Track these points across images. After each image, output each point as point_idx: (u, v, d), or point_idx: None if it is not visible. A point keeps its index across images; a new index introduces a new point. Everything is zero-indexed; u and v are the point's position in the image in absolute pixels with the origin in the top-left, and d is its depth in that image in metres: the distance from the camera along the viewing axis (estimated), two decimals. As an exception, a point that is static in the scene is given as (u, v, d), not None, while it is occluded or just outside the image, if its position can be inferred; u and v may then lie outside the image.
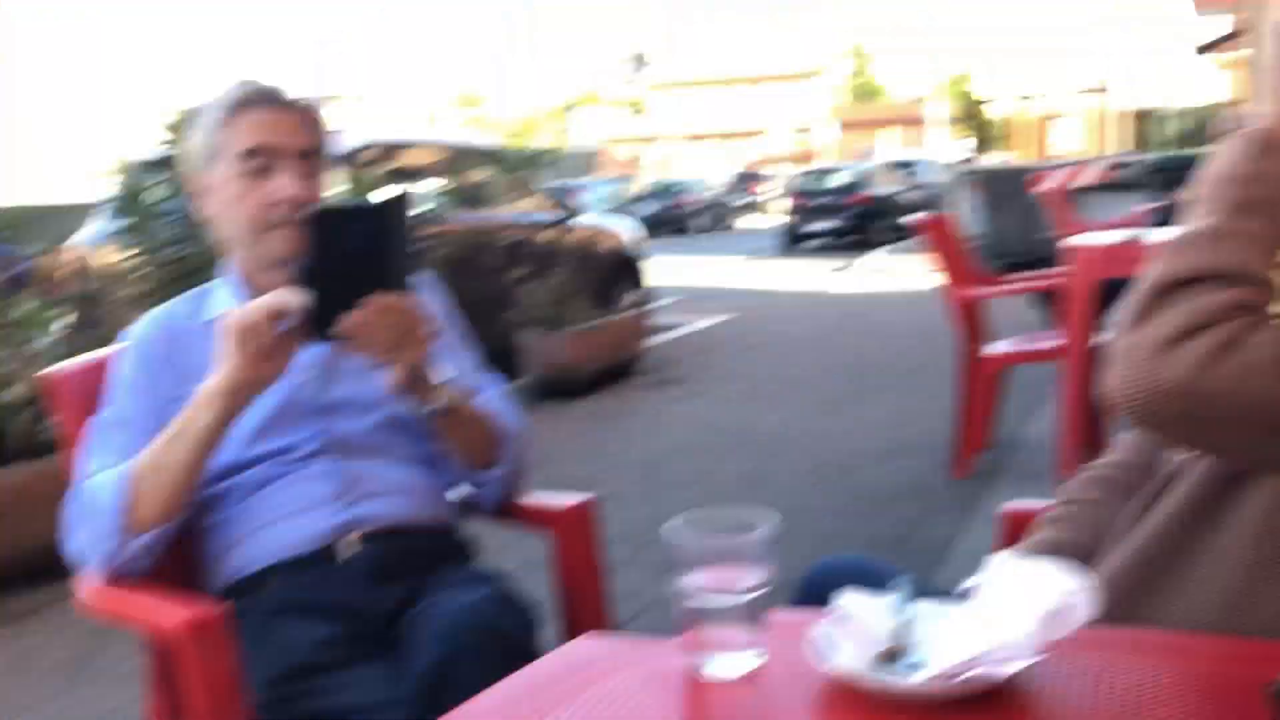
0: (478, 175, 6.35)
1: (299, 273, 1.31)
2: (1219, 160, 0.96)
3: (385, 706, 1.28)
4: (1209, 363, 0.85)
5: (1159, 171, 9.03)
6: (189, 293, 1.67)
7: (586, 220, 7.64)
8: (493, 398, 1.66)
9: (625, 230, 8.06)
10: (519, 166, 6.46)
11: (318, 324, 1.29)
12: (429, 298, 1.66)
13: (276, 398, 1.50)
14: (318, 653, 1.36)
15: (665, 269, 14.81)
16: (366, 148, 6.31)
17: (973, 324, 4.16)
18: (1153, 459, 1.23)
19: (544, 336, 6.10)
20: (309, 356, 1.51)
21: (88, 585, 1.46)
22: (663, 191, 27.99)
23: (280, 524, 1.49)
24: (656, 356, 7.37)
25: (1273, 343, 0.85)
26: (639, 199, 26.78)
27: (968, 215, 12.01)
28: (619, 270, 7.68)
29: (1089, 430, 3.66)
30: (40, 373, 1.72)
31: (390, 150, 6.73)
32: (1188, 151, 14.82)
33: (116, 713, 2.61)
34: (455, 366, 1.63)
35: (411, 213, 1.39)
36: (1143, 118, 18.62)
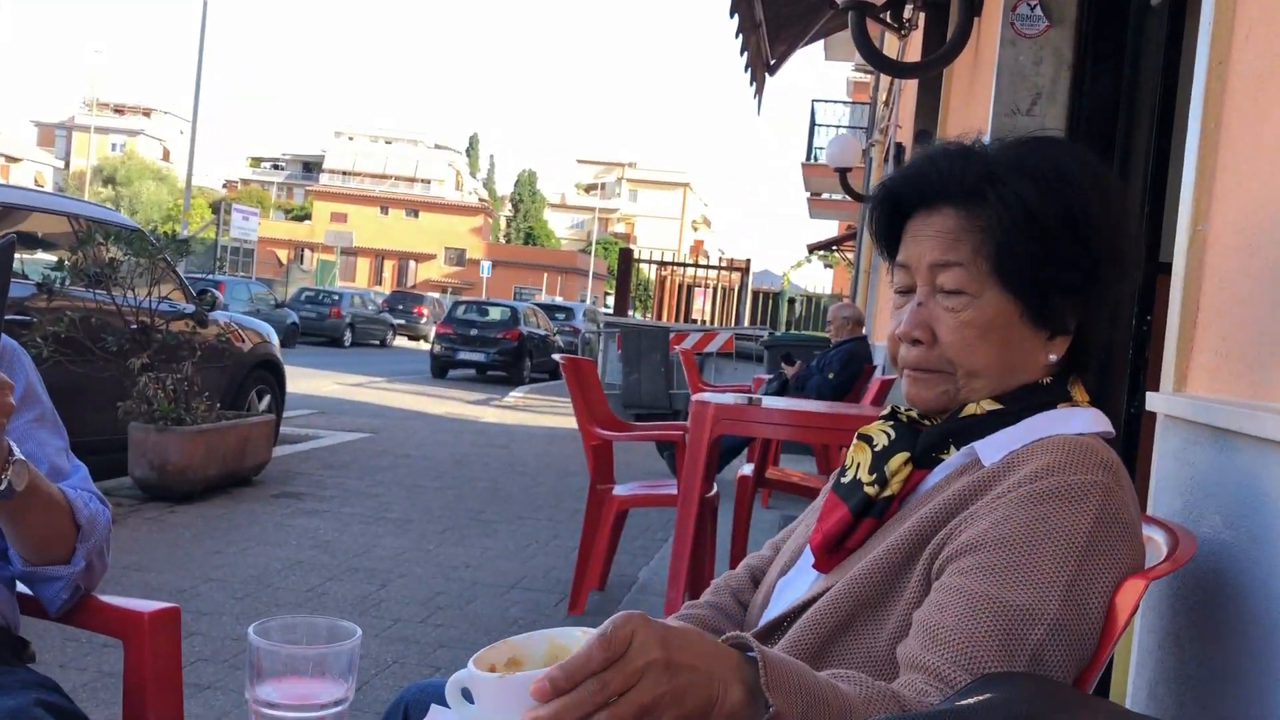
0: (109, 252, 5.87)
1: None
2: None
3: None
4: None
5: (773, 346, 9.97)
6: None
7: (226, 316, 7.24)
8: (76, 486, 1.50)
9: (267, 332, 7.71)
10: (157, 249, 6.04)
11: None
12: (15, 368, 1.51)
13: None
14: None
15: (307, 378, 14.30)
16: (-21, 204, 5.69)
17: (602, 465, 4.32)
18: (741, 608, 1.33)
19: (158, 432, 5.64)
20: None
21: None
22: (316, 299, 27.18)
23: None
24: (282, 467, 7.02)
25: None
26: (290, 303, 25.82)
27: (610, 364, 12.63)
28: (254, 372, 7.31)
29: (697, 575, 3.87)
30: None
31: (9, 211, 6.11)
32: (799, 332, 16.50)
33: None
34: (37, 447, 1.48)
35: (10, 273, 1.25)
36: (770, 297, 20.55)
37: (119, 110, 76.84)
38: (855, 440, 1.22)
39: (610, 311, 19.83)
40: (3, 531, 1.42)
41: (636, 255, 15.91)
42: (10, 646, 1.43)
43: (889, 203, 1.21)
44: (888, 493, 1.15)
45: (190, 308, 6.48)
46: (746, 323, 16.47)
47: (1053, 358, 1.16)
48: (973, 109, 4.59)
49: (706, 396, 3.98)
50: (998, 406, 1.14)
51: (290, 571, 4.52)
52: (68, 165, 69.02)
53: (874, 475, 1.16)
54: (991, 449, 1.11)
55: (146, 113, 78.03)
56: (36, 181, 57.97)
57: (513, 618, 4.12)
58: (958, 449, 1.14)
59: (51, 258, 6.00)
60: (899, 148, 8.76)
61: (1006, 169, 1.12)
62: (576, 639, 0.85)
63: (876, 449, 1.19)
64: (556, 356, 4.84)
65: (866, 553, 1.13)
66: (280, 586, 4.29)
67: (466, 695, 0.83)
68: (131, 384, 5.69)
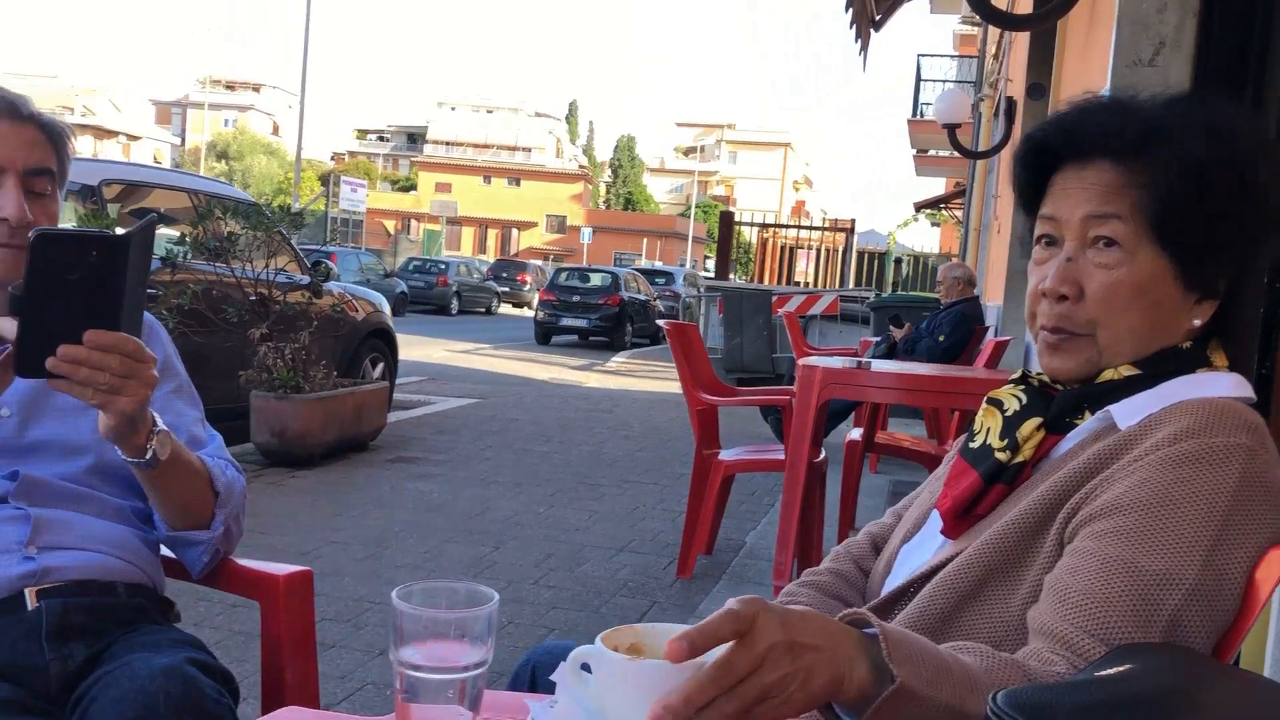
0: (228, 226, 6.07)
1: (12, 300, 1.20)
2: None
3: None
4: None
5: (880, 308, 9.81)
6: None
7: (339, 287, 7.44)
8: (212, 454, 1.57)
9: (379, 302, 7.90)
10: (273, 223, 6.23)
11: (28, 356, 1.18)
12: (155, 342, 1.57)
13: (-34, 432, 1.37)
14: (-22, 716, 1.22)
15: (417, 346, 14.61)
16: (109, 183, 5.93)
17: (708, 430, 4.33)
18: (863, 575, 1.32)
19: (278, 400, 5.84)
20: (11, 391, 1.39)
21: None
22: (423, 268, 27.71)
23: (-48, 569, 1.33)
24: (396, 433, 7.21)
25: None
26: (398, 273, 26.39)
27: (711, 328, 12.60)
28: (368, 341, 7.50)
29: (806, 540, 3.86)
30: None
31: (135, 188, 6.36)
32: (907, 293, 16.20)
33: None
34: (175, 417, 1.54)
35: (152, 250, 1.31)
36: (875, 257, 20.21)
37: (230, 87, 79.16)
38: (984, 404, 1.19)
39: (711, 275, 19.75)
40: (148, 498, 1.49)
41: (737, 218, 15.80)
42: (158, 607, 1.51)
43: (1035, 154, 1.17)
44: (1019, 459, 1.12)
45: (306, 279, 6.67)
46: (851, 284, 16.24)
47: (1197, 322, 1.12)
48: (1090, 61, 4.42)
49: (814, 360, 3.95)
50: (1136, 372, 1.11)
51: (407, 534, 4.66)
52: (183, 142, 71.47)
53: (1005, 441, 1.14)
54: (1128, 412, 1.08)
55: (256, 88, 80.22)
56: (155, 158, 60.07)
57: (622, 580, 4.17)
58: (1093, 414, 1.11)
59: (174, 233, 6.23)
60: (1009, 102, 8.50)
61: (1172, 124, 1.08)
62: None
63: (1007, 414, 1.16)
64: (662, 323, 4.86)
65: (997, 518, 1.11)
66: (398, 548, 4.42)
67: (584, 668, 0.85)
68: (251, 353, 5.90)
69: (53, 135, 1.48)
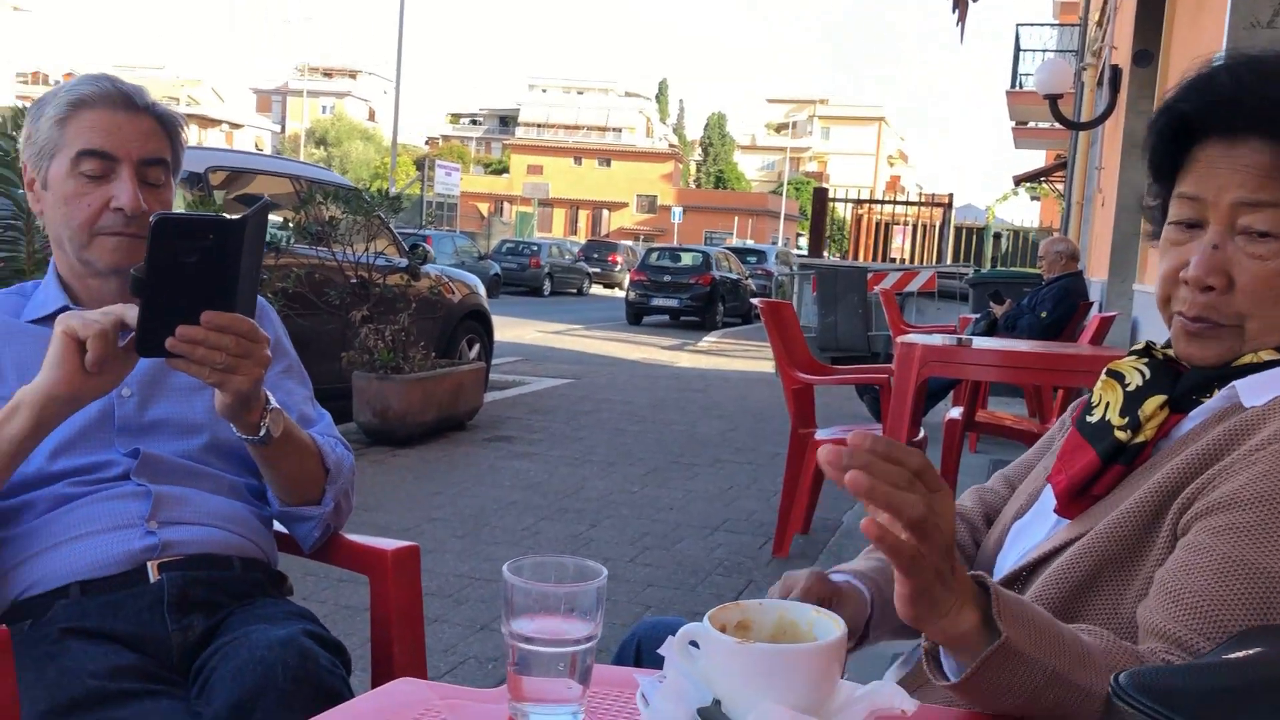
0: (329, 211, 6.21)
1: (133, 282, 1.25)
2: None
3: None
4: None
5: (980, 284, 9.59)
6: (10, 288, 1.57)
7: (436, 269, 7.56)
8: (322, 432, 1.61)
9: (474, 284, 8.01)
10: (372, 207, 6.35)
11: (148, 336, 1.23)
12: (266, 323, 1.62)
13: (91, 412, 1.42)
14: (104, 683, 1.26)
15: (511, 327, 14.79)
16: (214, 170, 6.11)
17: (804, 409, 4.29)
18: (973, 543, 1.30)
19: (379, 380, 5.97)
20: (132, 372, 1.44)
21: None
22: (516, 250, 28.01)
23: (80, 542, 1.39)
24: (492, 412, 7.31)
25: None
26: (492, 255, 26.71)
27: (804, 306, 12.48)
28: (464, 322, 7.61)
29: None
30: None
31: (239, 175, 6.54)
32: (1007, 269, 15.80)
33: None
34: (286, 396, 1.58)
35: (265, 234, 1.34)
36: (973, 232, 19.76)
37: (328, 74, 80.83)
38: (1104, 377, 1.13)
39: (804, 253, 19.55)
40: (262, 474, 1.53)
41: (831, 194, 15.59)
42: (272, 580, 1.56)
43: (1175, 126, 1.06)
44: (1140, 438, 1.06)
45: (404, 262, 6.79)
46: (949, 260, 15.92)
47: None
48: (1203, 23, 4.25)
49: (914, 338, 3.89)
50: (1277, 356, 1.03)
51: (505, 511, 4.72)
52: (283, 129, 73.27)
53: (1126, 419, 1.07)
54: (1254, 389, 1.01)
55: (353, 75, 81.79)
56: (256, 145, 61.76)
57: (718, 559, 4.17)
58: (1220, 389, 1.05)
59: (277, 218, 6.38)
60: (1114, 70, 8.21)
61: None
62: (809, 616, 0.86)
63: (1129, 388, 1.09)
64: (756, 301, 4.82)
65: (1115, 503, 1.05)
66: (497, 525, 4.49)
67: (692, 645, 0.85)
68: (353, 335, 6.03)
69: (167, 126, 1.53)
